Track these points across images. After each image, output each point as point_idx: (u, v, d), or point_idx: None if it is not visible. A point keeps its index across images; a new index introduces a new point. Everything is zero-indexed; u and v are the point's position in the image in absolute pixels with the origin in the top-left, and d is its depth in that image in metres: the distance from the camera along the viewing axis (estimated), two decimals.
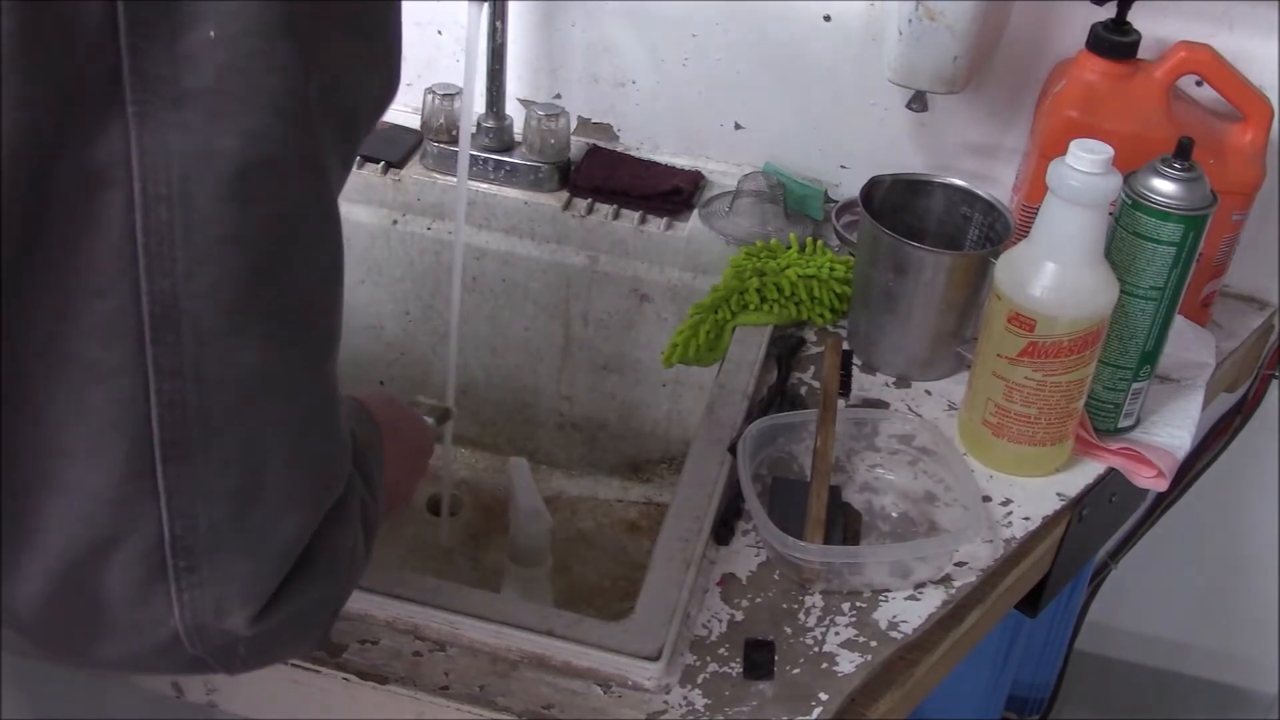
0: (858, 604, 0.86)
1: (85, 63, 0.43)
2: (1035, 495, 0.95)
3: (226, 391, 0.49)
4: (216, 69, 0.45)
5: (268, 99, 0.46)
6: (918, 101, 1.11)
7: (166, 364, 0.47)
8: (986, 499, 0.94)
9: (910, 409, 1.03)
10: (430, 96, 1.24)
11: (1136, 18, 1.04)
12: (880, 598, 0.86)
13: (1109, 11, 1.05)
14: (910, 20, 1.02)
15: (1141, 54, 1.05)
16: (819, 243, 1.15)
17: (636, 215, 1.23)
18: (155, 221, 0.45)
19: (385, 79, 0.54)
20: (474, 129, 1.24)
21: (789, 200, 1.22)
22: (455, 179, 1.07)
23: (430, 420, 0.93)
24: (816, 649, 0.82)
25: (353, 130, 0.53)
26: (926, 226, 1.07)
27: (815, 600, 0.86)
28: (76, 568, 0.49)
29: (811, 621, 0.84)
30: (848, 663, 0.81)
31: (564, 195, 1.25)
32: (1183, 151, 0.90)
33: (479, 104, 1.25)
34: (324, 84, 0.49)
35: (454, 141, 1.24)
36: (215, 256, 0.47)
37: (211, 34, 0.44)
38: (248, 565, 0.51)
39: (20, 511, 0.48)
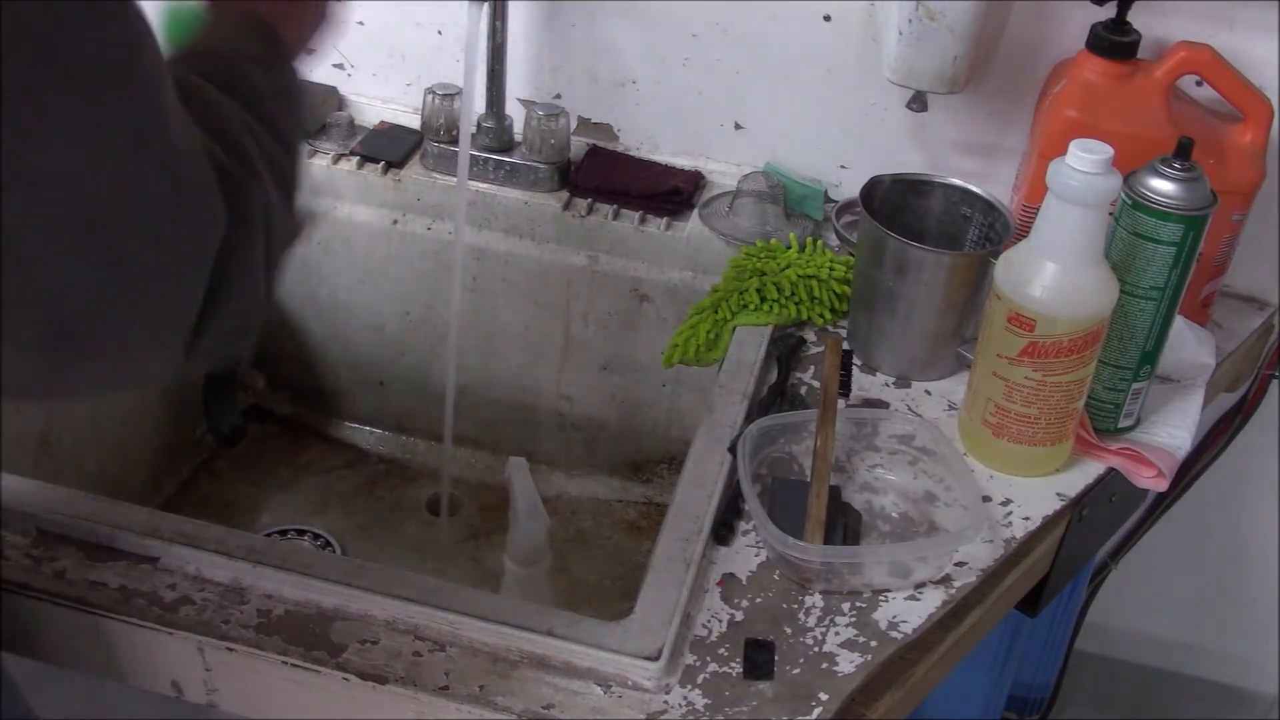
0: (858, 604, 0.86)
1: None
2: (1035, 495, 0.95)
3: (50, 203, 0.48)
4: None
5: None
6: (918, 101, 1.11)
7: None
8: (986, 499, 0.94)
9: (910, 409, 1.03)
10: (430, 96, 1.24)
11: (1136, 18, 1.04)
12: (880, 598, 0.86)
13: (1109, 11, 1.05)
14: (910, 20, 1.02)
15: (1141, 54, 1.05)
16: (819, 243, 1.15)
17: (636, 215, 1.23)
18: None
19: None
20: (474, 129, 1.24)
21: (789, 200, 1.22)
22: (455, 179, 1.07)
23: None
24: (816, 649, 0.82)
25: None
26: (926, 226, 1.07)
27: (815, 600, 0.86)
28: None
29: (811, 621, 0.84)
30: (848, 663, 0.81)
31: (564, 195, 1.25)
32: (1183, 151, 0.90)
33: (479, 104, 1.25)
34: None
35: (454, 141, 1.24)
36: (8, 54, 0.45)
37: None
38: (142, 329, 0.52)
39: None
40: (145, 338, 0.53)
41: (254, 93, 0.61)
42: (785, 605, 0.85)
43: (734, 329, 1.09)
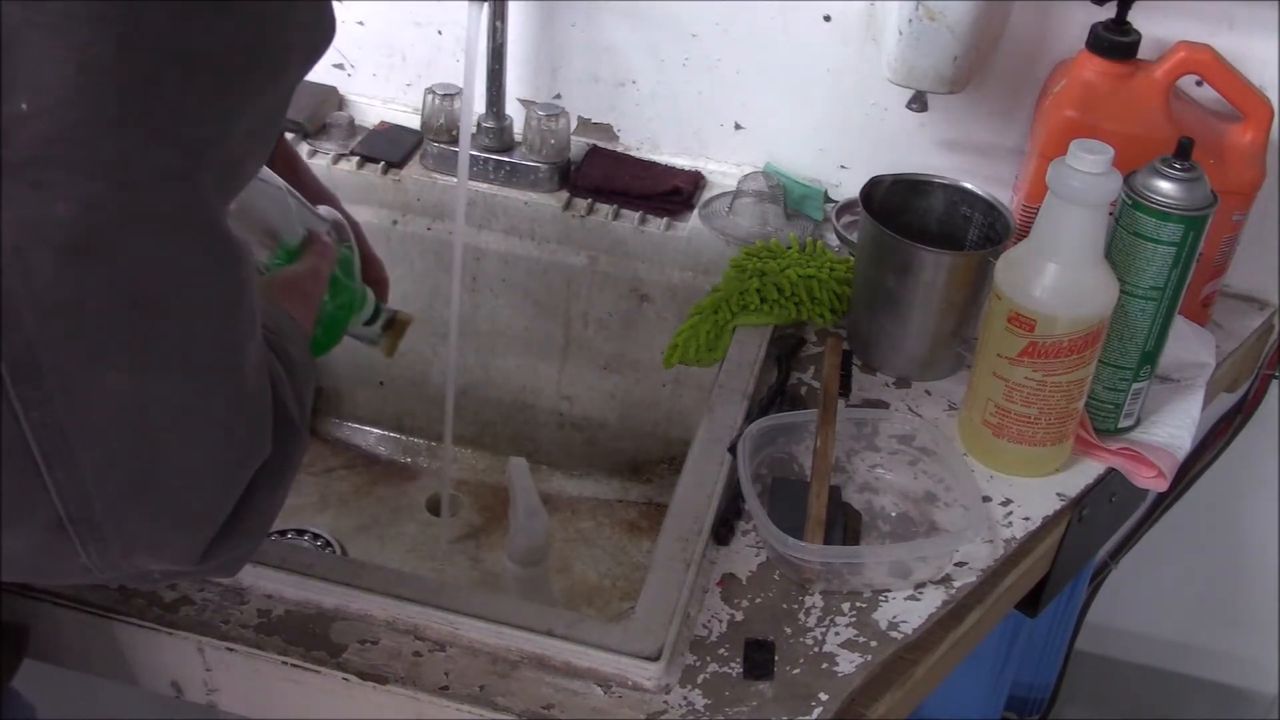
0: (858, 604, 0.86)
1: None
2: (1035, 495, 0.95)
3: (99, 411, 0.50)
4: (35, 141, 0.45)
5: (99, 166, 0.46)
6: (918, 101, 1.11)
7: (32, 398, 0.48)
8: (986, 499, 0.94)
9: (910, 409, 1.03)
10: (430, 96, 1.24)
11: (1136, 18, 1.04)
12: (880, 598, 0.86)
13: (1109, 11, 1.05)
14: (910, 20, 1.02)
15: (1141, 54, 1.05)
16: (819, 243, 1.15)
17: (636, 215, 1.23)
18: (1, 284, 0.46)
19: (257, 115, 0.53)
20: (474, 129, 1.24)
21: (789, 200, 1.22)
22: (455, 179, 1.07)
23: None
24: (816, 649, 0.82)
25: (244, 160, 0.53)
26: (926, 226, 1.07)
27: (815, 600, 0.86)
28: None
29: (811, 621, 0.84)
30: (848, 663, 0.81)
31: (564, 195, 1.25)
32: (1183, 151, 0.90)
33: (479, 104, 1.25)
34: (186, 129, 0.48)
35: (454, 141, 1.24)
36: (65, 313, 0.48)
37: (24, 107, 0.44)
38: (161, 541, 0.54)
39: None
40: (165, 541, 0.55)
41: (289, 357, 0.64)
42: (785, 605, 0.85)
43: (734, 329, 1.09)
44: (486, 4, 1.17)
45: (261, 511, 0.59)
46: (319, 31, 0.56)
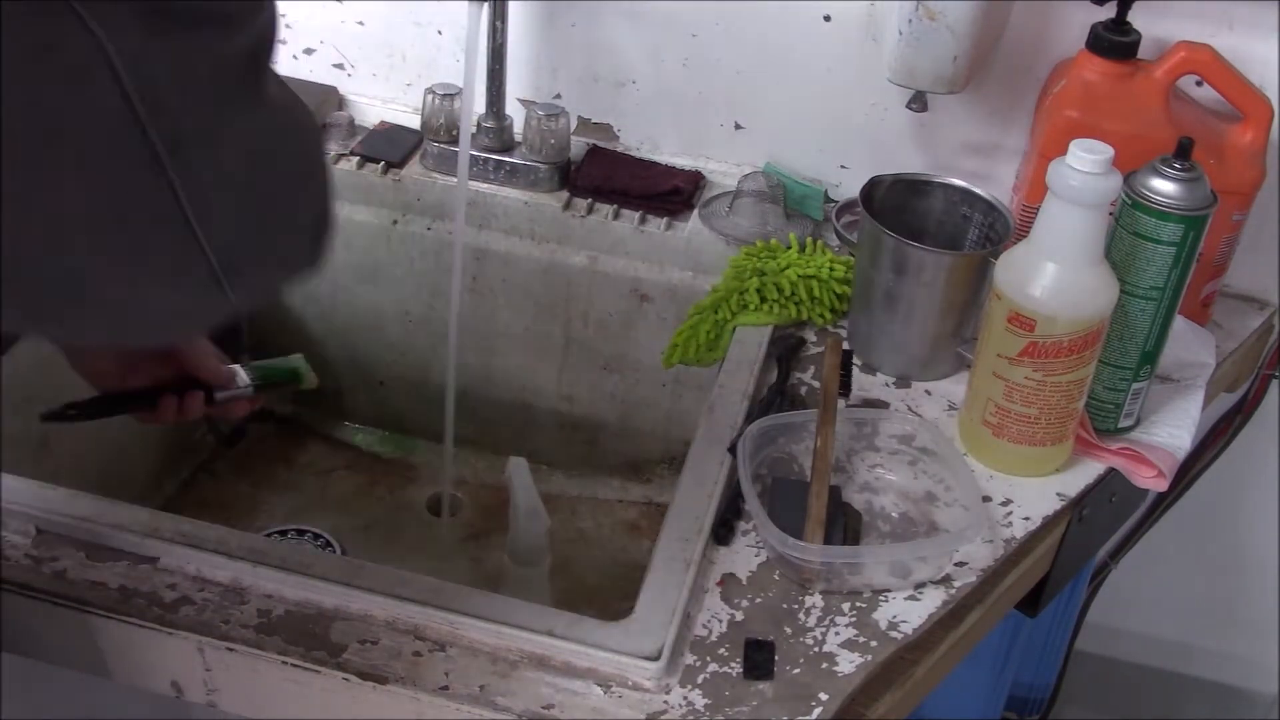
0: (858, 604, 0.86)
1: None
2: (1035, 495, 0.95)
3: (233, 170, 0.58)
4: None
5: None
6: (918, 101, 1.11)
7: (184, 169, 0.55)
8: (986, 499, 0.94)
9: (910, 409, 1.03)
10: (430, 96, 1.24)
11: (1136, 18, 1.04)
12: (880, 598, 0.86)
13: (1109, 11, 1.05)
14: (910, 20, 1.02)
15: (1141, 54, 1.05)
16: (819, 243, 1.15)
17: (636, 215, 1.23)
18: (142, 82, 0.52)
19: None
20: (474, 129, 1.24)
21: (789, 200, 1.22)
22: (455, 179, 1.07)
23: None
24: (816, 649, 0.82)
25: None
26: (926, 226, 1.07)
27: (815, 600, 0.86)
28: (150, 290, 0.60)
29: (811, 621, 0.84)
30: (848, 663, 0.81)
31: (564, 195, 1.25)
32: (1183, 151, 0.90)
33: (479, 104, 1.25)
34: None
35: (454, 141, 1.24)
36: (192, 79, 0.54)
37: None
38: (282, 254, 0.64)
39: (100, 268, 0.58)
40: (292, 256, 0.65)
41: None
42: (785, 605, 0.85)
43: (734, 329, 1.09)
44: (486, 4, 1.17)
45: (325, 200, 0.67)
46: None
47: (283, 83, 0.63)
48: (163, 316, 0.64)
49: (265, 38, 0.60)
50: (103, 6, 0.51)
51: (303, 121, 0.65)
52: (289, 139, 0.64)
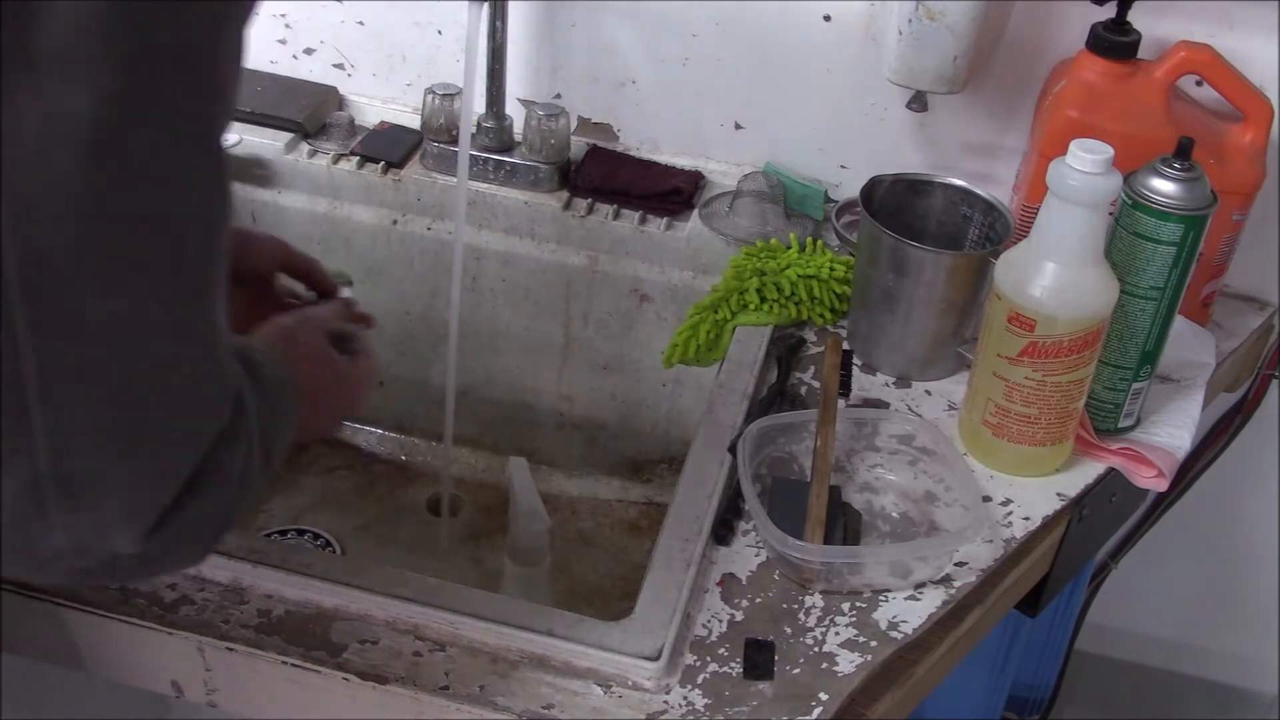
0: (858, 604, 0.86)
1: None
2: (1035, 495, 0.95)
3: (97, 338, 0.50)
4: (66, 30, 0.45)
5: (120, 57, 0.47)
6: (918, 101, 1.11)
7: (36, 318, 0.47)
8: (986, 499, 0.94)
9: (910, 409, 1.03)
10: (430, 96, 1.24)
11: (1136, 18, 1.04)
12: (880, 598, 0.86)
13: (1109, 11, 1.05)
14: (910, 20, 1.02)
15: (1141, 54, 1.05)
16: (819, 243, 1.15)
17: (636, 215, 1.23)
18: (17, 184, 0.45)
19: (240, 26, 0.54)
20: (474, 129, 1.24)
21: (789, 200, 1.22)
22: (455, 179, 1.07)
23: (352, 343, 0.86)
24: (816, 649, 0.82)
25: (219, 79, 0.53)
26: (926, 226, 1.07)
27: (815, 600, 0.86)
28: None
29: (811, 621, 0.84)
30: (848, 663, 0.81)
31: (564, 195, 1.25)
32: (1183, 151, 0.90)
33: (479, 104, 1.25)
34: (181, 37, 0.49)
35: (454, 141, 1.24)
36: (78, 214, 0.47)
37: None
38: (128, 494, 0.53)
39: None
40: (132, 502, 0.54)
41: (268, 403, 0.64)
42: (785, 605, 0.85)
43: (734, 329, 1.09)
44: (486, 4, 1.17)
45: (210, 505, 0.57)
46: None
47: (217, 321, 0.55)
48: None
49: (196, 231, 0.52)
50: (11, 89, 0.44)
51: (209, 364, 0.55)
52: (181, 356, 0.53)
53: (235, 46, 0.53)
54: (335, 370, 0.80)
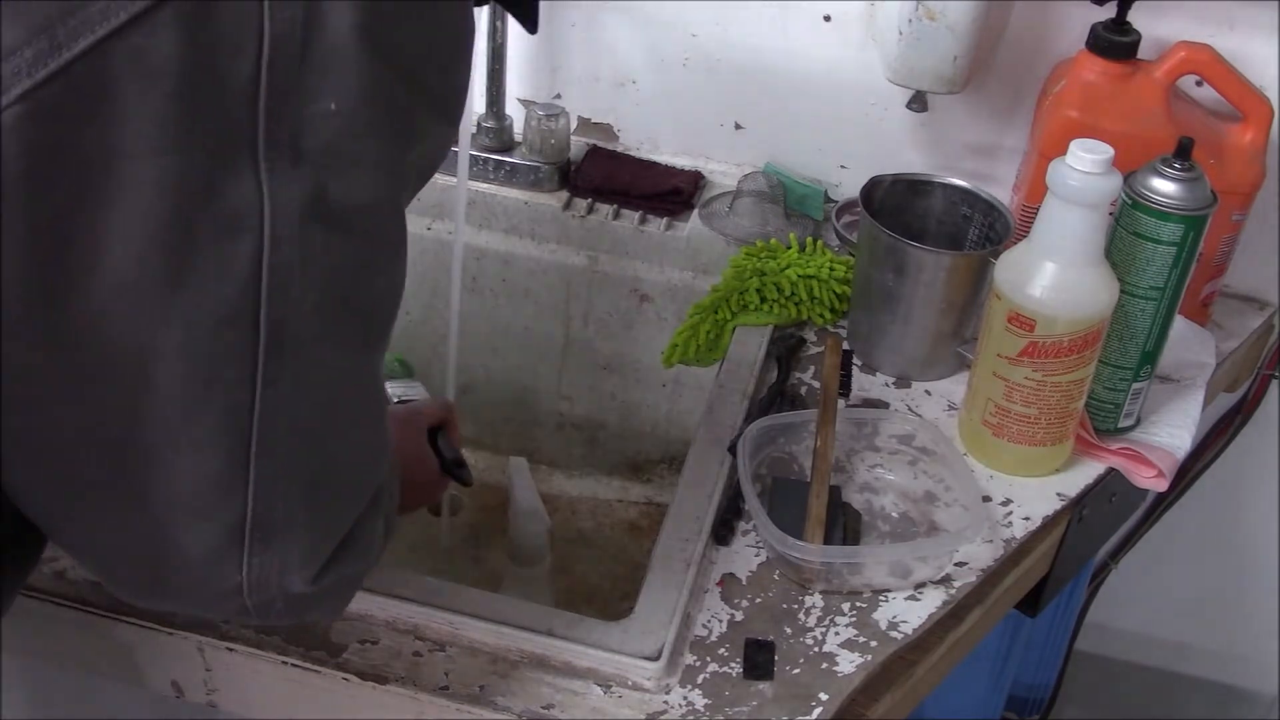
0: (858, 604, 0.86)
1: (229, 123, 0.49)
2: (1035, 495, 0.95)
3: (316, 392, 0.56)
4: (333, 134, 0.52)
5: (372, 159, 0.54)
6: (918, 101, 1.11)
7: (273, 375, 0.53)
8: (986, 499, 0.94)
9: (910, 409, 1.03)
10: None
11: (1136, 18, 1.04)
12: (880, 598, 0.86)
13: (1109, 11, 1.05)
14: (910, 20, 1.02)
15: (1141, 54, 1.05)
16: (819, 243, 1.15)
17: (636, 215, 1.23)
18: (280, 259, 0.51)
19: (447, 140, 0.64)
20: (474, 129, 1.24)
21: (789, 200, 1.22)
22: (455, 179, 1.07)
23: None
24: (816, 649, 0.82)
25: (426, 176, 0.63)
26: (926, 226, 1.07)
27: (815, 600, 0.86)
28: (167, 529, 0.56)
29: (811, 621, 0.84)
30: (848, 663, 0.81)
31: (564, 195, 1.25)
32: (1183, 151, 0.90)
33: (479, 104, 1.25)
34: (415, 147, 0.58)
35: (454, 141, 1.24)
36: (321, 283, 0.54)
37: (332, 106, 0.51)
38: (309, 540, 0.59)
39: (130, 482, 0.54)
40: (305, 545, 0.59)
41: (393, 475, 0.70)
42: (785, 605, 0.85)
43: (734, 329, 1.09)
44: (486, 4, 1.17)
45: (356, 563, 0.62)
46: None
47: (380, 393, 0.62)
48: (145, 556, 0.58)
49: (389, 297, 0.59)
50: (283, 178, 0.50)
51: (382, 421, 0.63)
52: (365, 411, 0.61)
53: (439, 155, 0.63)
54: (427, 466, 0.89)
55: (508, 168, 1.25)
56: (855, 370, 1.07)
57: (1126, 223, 0.91)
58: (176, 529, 0.55)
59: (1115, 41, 1.04)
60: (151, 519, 0.55)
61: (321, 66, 0.51)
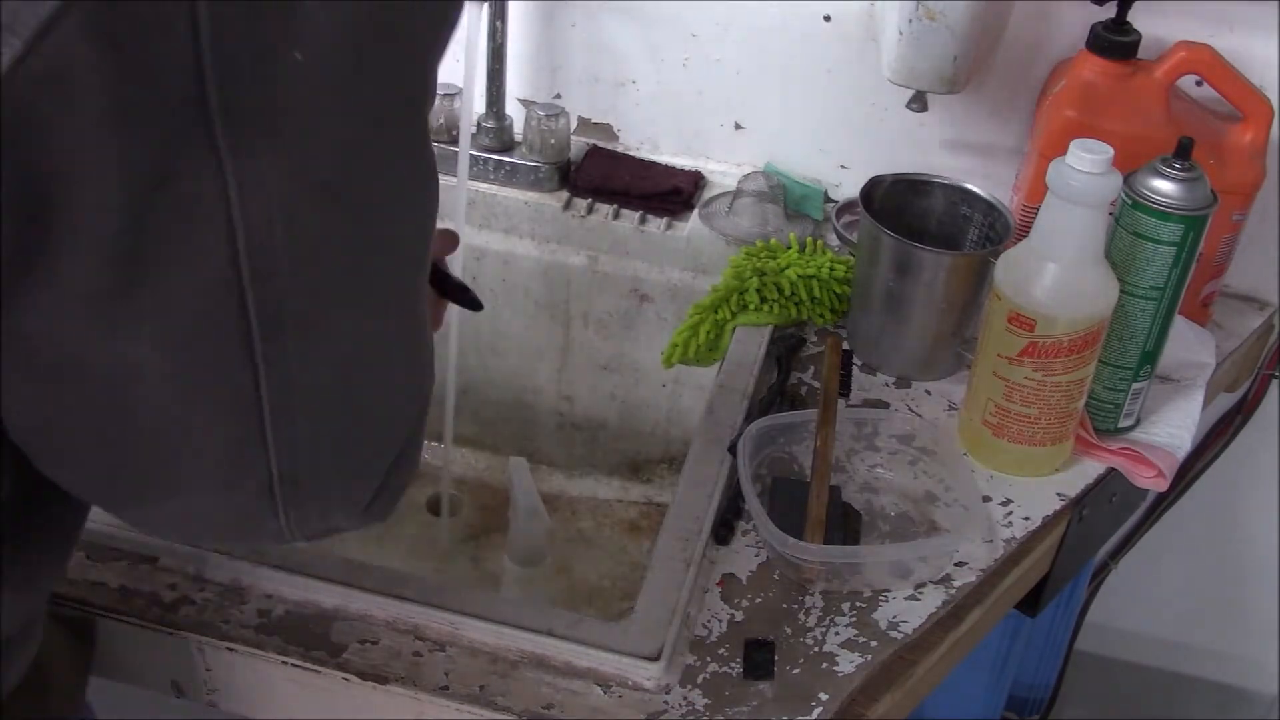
0: (858, 604, 0.86)
1: (172, 111, 0.44)
2: (1035, 495, 0.95)
3: (332, 358, 0.53)
4: (308, 89, 0.46)
5: (358, 107, 0.48)
6: (918, 101, 1.11)
7: (274, 355, 0.50)
8: (986, 499, 0.94)
9: (910, 409, 1.03)
10: None
11: (1136, 18, 1.04)
12: (880, 598, 0.86)
13: (1109, 11, 1.05)
14: (910, 20, 1.02)
15: (1141, 54, 1.05)
16: (819, 243, 1.15)
17: (636, 215, 1.23)
18: (258, 242, 0.47)
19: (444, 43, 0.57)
20: (474, 129, 1.24)
21: (789, 200, 1.22)
22: (455, 179, 1.07)
23: None
24: (816, 649, 0.82)
25: (430, 84, 0.55)
26: (926, 226, 1.07)
27: (815, 600, 0.86)
28: (198, 497, 0.55)
29: (811, 621, 0.84)
30: (848, 663, 0.81)
31: (564, 195, 1.25)
32: (1183, 151, 0.90)
33: (479, 104, 1.25)
34: (411, 67, 0.51)
35: (454, 141, 1.24)
36: (317, 258, 0.49)
37: (298, 56, 0.45)
38: (345, 487, 0.58)
39: (153, 473, 0.54)
40: (351, 494, 0.59)
41: None
42: (785, 605, 0.85)
43: (734, 329, 1.09)
44: (486, 4, 1.17)
45: (407, 473, 0.62)
46: None
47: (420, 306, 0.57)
48: (192, 520, 0.58)
49: (417, 238, 0.55)
50: (248, 155, 0.45)
51: (419, 355, 0.59)
52: (396, 358, 0.57)
53: (444, 50, 0.56)
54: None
55: (508, 168, 1.25)
56: (855, 370, 1.07)
57: (1126, 223, 0.91)
58: (206, 497, 0.55)
59: (1115, 41, 1.04)
60: (182, 499, 0.56)
61: (277, 14, 0.44)
